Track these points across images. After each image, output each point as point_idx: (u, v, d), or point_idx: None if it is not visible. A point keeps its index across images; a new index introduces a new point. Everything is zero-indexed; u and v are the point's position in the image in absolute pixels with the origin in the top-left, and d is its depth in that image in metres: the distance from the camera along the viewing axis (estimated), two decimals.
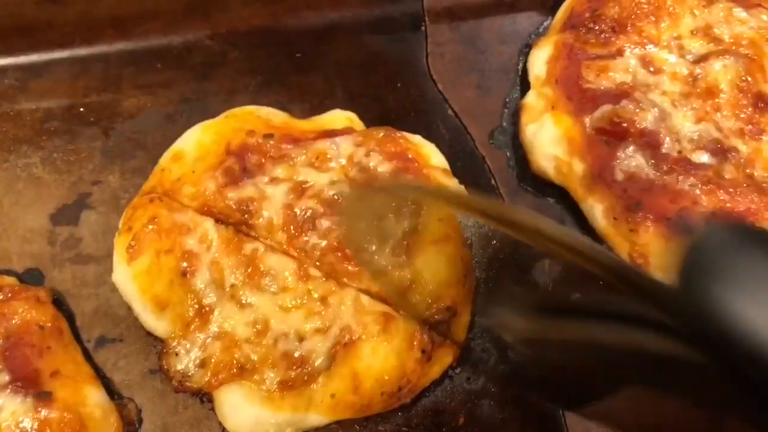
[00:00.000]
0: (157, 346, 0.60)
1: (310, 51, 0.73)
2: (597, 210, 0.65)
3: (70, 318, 0.60)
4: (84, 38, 0.71)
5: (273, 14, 0.74)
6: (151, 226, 0.61)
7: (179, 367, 0.58)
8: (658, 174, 0.65)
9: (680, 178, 0.64)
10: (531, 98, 0.70)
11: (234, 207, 0.62)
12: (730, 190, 0.63)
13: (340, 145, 0.65)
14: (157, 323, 0.59)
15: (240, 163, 0.64)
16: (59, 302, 0.60)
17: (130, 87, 0.71)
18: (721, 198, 0.63)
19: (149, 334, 0.60)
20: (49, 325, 0.58)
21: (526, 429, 0.58)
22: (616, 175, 0.65)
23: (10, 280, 0.61)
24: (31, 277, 0.62)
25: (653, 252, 0.63)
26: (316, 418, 0.56)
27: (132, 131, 0.69)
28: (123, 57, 0.72)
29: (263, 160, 0.64)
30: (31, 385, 0.54)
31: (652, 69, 0.70)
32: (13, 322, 0.57)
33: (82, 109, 0.69)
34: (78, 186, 0.66)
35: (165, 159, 0.65)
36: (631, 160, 0.66)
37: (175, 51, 0.73)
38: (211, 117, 0.68)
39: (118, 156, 0.67)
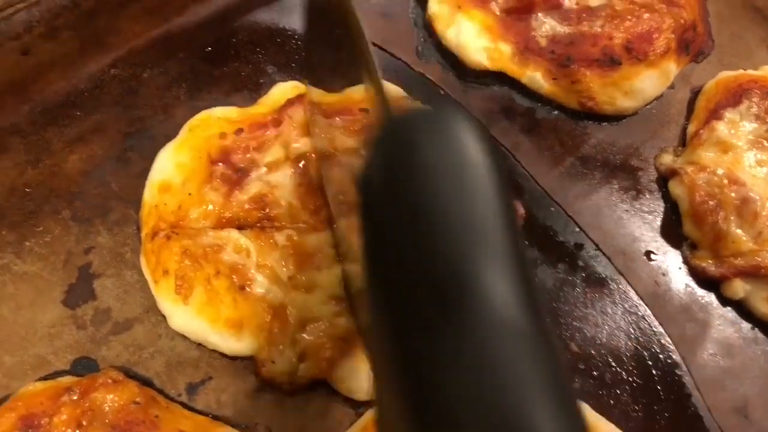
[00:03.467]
0: (247, 366, 0.59)
1: (216, 42, 0.72)
2: (537, 78, 0.73)
3: (148, 384, 0.57)
4: None
5: (164, 20, 0.71)
6: (187, 261, 0.59)
7: (283, 370, 0.58)
8: (571, 27, 0.73)
9: (589, 23, 0.74)
10: (435, 8, 0.75)
11: (249, 208, 0.61)
12: (629, 17, 0.74)
13: None
14: (240, 344, 0.58)
15: (231, 167, 0.63)
16: (128, 375, 0.57)
17: (62, 146, 0.65)
18: (627, 26, 0.73)
19: (233, 359, 0.59)
20: (141, 398, 0.55)
21: None
22: (540, 42, 0.73)
23: (68, 379, 0.56)
24: (84, 368, 0.57)
25: (596, 92, 0.72)
26: None
27: (93, 187, 0.64)
28: (36, 120, 0.66)
29: (249, 155, 0.64)
30: None
31: None
32: (106, 411, 0.53)
33: (28, 190, 0.63)
34: (72, 261, 0.61)
35: (151, 195, 0.62)
36: (545, 25, 0.73)
37: (86, 93, 0.67)
38: (161, 140, 0.65)
39: (93, 216, 0.63)
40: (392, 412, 0.29)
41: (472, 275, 0.25)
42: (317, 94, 0.66)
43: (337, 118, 0.65)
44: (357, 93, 0.65)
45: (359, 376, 0.58)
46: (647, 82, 0.73)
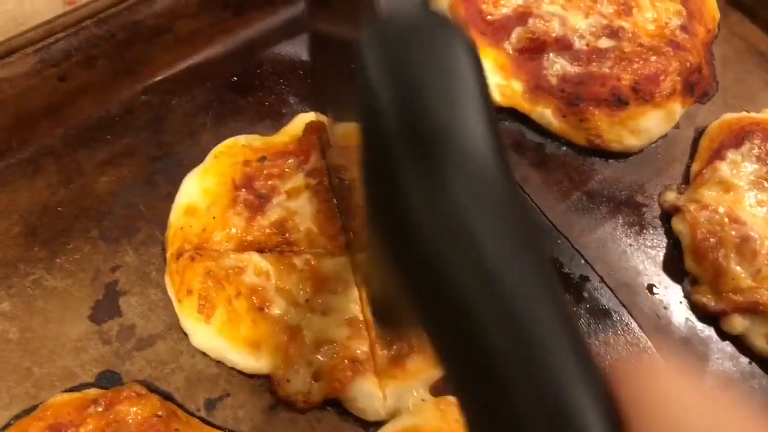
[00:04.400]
0: (264, 384, 0.61)
1: (242, 72, 0.75)
2: (547, 115, 0.76)
3: (169, 398, 0.60)
4: (21, 139, 0.67)
5: (192, 51, 0.74)
6: (210, 282, 0.61)
7: (298, 389, 0.60)
8: (581, 67, 0.77)
9: (598, 64, 0.77)
10: None
11: (269, 232, 0.64)
12: (637, 60, 0.77)
13: None
14: (258, 363, 0.61)
15: (253, 193, 0.66)
16: (150, 389, 0.60)
17: (92, 168, 0.68)
18: (635, 67, 0.76)
19: (250, 376, 0.61)
20: (163, 411, 0.57)
21: None
22: (551, 81, 0.76)
23: (94, 391, 0.59)
24: (108, 381, 0.60)
25: (604, 130, 0.75)
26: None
27: (121, 207, 0.67)
28: (69, 142, 0.69)
29: (270, 182, 0.67)
30: None
31: None
32: (130, 423, 0.56)
33: (60, 209, 0.66)
34: (99, 278, 0.64)
35: (177, 218, 0.65)
36: (556, 64, 0.77)
37: (117, 118, 0.71)
38: (187, 165, 0.69)
39: (121, 236, 0.66)
40: (381, 268, 0.34)
41: (454, 127, 0.30)
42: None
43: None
44: None
45: (370, 397, 0.60)
46: (653, 122, 0.76)
